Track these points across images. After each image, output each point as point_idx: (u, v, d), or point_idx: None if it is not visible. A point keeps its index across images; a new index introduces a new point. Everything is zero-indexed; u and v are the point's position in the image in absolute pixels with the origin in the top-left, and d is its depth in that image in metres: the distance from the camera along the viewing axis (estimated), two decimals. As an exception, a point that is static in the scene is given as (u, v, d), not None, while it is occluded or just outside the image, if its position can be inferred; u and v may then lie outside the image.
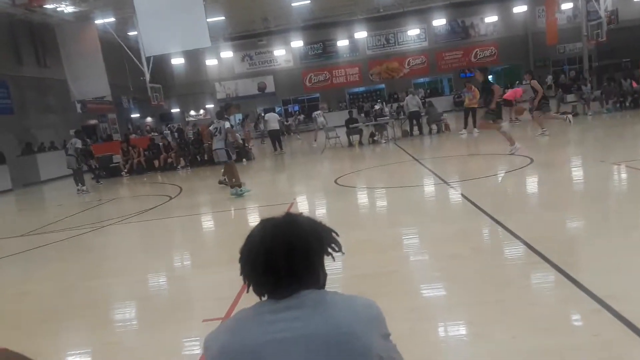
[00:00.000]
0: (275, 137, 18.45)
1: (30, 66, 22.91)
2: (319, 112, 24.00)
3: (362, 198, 8.49)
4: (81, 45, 20.72)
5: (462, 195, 7.03)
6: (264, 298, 1.18)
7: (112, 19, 22.41)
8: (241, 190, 9.65)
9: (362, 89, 37.14)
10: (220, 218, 8.39)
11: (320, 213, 7.57)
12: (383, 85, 36.87)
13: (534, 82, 12.92)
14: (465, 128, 15.75)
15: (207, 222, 8.47)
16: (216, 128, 9.79)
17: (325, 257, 1.22)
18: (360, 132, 17.44)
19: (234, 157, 10.12)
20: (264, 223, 1.20)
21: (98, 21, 21.60)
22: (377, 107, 27.19)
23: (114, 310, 4.46)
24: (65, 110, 24.46)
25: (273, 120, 18.68)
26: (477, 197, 6.55)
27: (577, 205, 6.14)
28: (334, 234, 1.24)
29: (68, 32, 21.25)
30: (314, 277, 1.18)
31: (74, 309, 4.43)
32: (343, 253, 1.23)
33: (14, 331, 4.08)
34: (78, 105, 23.93)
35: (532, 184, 7.87)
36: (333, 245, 1.23)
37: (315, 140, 21.50)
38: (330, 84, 36.77)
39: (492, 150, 11.69)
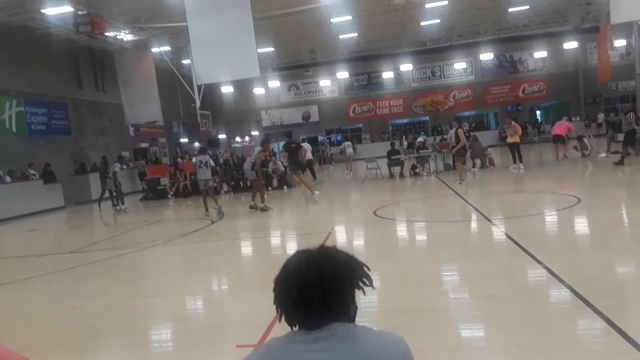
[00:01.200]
0: (309, 167, 18.61)
1: (88, 90, 24.29)
2: (348, 142, 24.33)
3: (401, 231, 8.43)
4: (137, 72, 21.82)
5: (505, 233, 6.88)
6: (296, 328, 1.22)
7: (167, 48, 23.55)
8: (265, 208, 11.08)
9: (405, 120, 37.18)
10: (258, 244, 8.51)
11: (358, 244, 7.57)
12: (427, 118, 36.78)
13: (460, 131, 12.62)
14: (515, 163, 15.43)
15: (246, 248, 8.60)
16: (201, 161, 11.41)
17: (357, 290, 1.26)
18: (401, 163, 17.39)
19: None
20: (299, 254, 1.24)
21: (154, 49, 22.73)
22: (420, 139, 27.11)
23: (153, 330, 4.59)
24: (119, 133, 25.73)
25: (306, 151, 18.94)
26: (520, 236, 6.39)
27: (625, 248, 5.88)
28: (365, 269, 1.28)
29: (126, 59, 22.45)
30: (345, 310, 1.21)
31: (117, 326, 4.58)
32: (374, 287, 1.27)
33: (64, 345, 4.25)
34: (131, 129, 25.13)
35: (578, 224, 7.61)
36: (364, 279, 1.26)
37: (348, 170, 21.66)
38: (373, 115, 37.00)
39: (538, 187, 11.40)
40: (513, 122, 15.26)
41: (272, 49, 27.32)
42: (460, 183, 12.17)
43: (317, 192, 12.09)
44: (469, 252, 6.26)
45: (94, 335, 4.36)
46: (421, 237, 7.85)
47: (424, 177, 16.41)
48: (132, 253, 8.24)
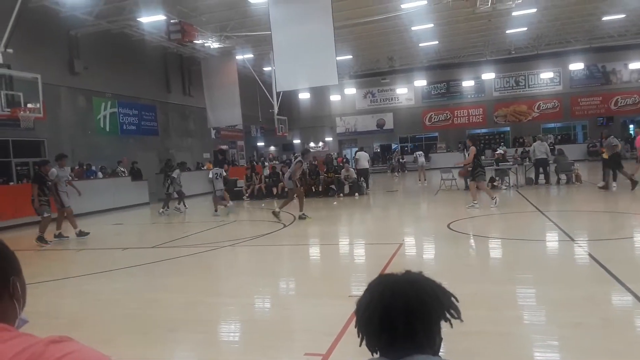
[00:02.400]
0: (364, 176, 18.30)
1: (176, 94, 25.78)
2: (420, 152, 23.81)
3: (476, 247, 8.12)
4: (221, 78, 22.81)
5: (590, 255, 6.42)
6: (376, 355, 1.17)
7: (250, 55, 24.48)
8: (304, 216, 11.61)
9: (484, 130, 35.93)
10: (328, 251, 8.55)
11: (429, 258, 7.39)
12: (508, 128, 35.32)
13: (472, 149, 12.03)
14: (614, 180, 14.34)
15: (316, 254, 8.67)
16: (216, 173, 12.84)
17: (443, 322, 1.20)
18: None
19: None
20: (384, 279, 1.20)
21: (238, 57, 23.69)
22: (499, 150, 26.03)
23: (225, 330, 4.75)
24: (202, 135, 27.12)
25: (363, 159, 18.70)
26: (608, 260, 5.93)
27: None
28: (453, 299, 1.21)
29: (211, 66, 23.55)
30: (430, 341, 1.15)
31: (193, 323, 4.78)
32: (462, 320, 1.20)
33: (142, 336, 4.51)
34: (213, 132, 26.37)
35: (678, 252, 6.94)
36: (452, 310, 1.19)
37: (420, 180, 21.24)
38: (450, 124, 36.11)
39: (630, 207, 10.55)
40: (612, 136, 14.22)
41: (350, 56, 27.55)
42: (472, 205, 11.75)
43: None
44: (550, 275, 5.90)
45: (171, 330, 4.57)
46: (498, 254, 7.51)
47: (503, 191, 15.73)
48: (209, 251, 8.59)
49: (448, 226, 9.34)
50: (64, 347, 0.89)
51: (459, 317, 1.18)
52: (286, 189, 12.99)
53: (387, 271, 1.26)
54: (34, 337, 0.94)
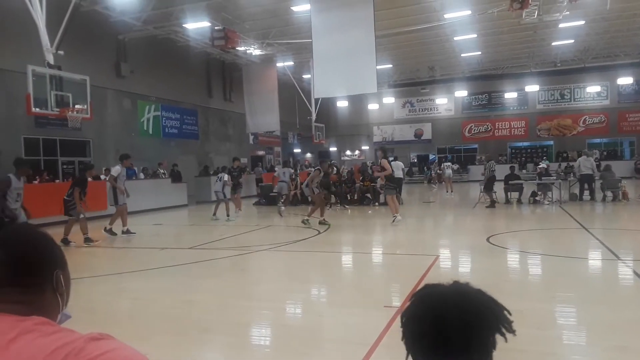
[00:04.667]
0: (399, 186, 17.95)
1: (217, 99, 26.31)
2: (448, 163, 23.40)
3: (517, 262, 7.88)
4: (261, 84, 23.10)
5: (637, 275, 6.12)
6: None
7: (290, 62, 24.73)
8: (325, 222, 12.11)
9: (526, 143, 35.05)
10: (362, 259, 8.47)
11: (467, 272, 7.21)
12: (551, 142, 34.31)
13: (384, 161, 12.10)
14: None
15: (350, 262, 8.60)
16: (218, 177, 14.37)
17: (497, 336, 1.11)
18: (520, 189, 16.32)
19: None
20: (433, 289, 1.12)
21: (279, 64, 23.96)
22: (542, 165, 25.29)
23: (258, 335, 4.75)
24: (240, 140, 27.55)
25: (397, 168, 18.40)
26: (660, 284, 5.64)
27: None
28: (506, 312, 1.12)
29: (252, 72, 23.89)
30: (483, 356, 1.06)
31: (226, 325, 4.80)
32: (515, 334, 1.10)
33: (176, 336, 4.55)
34: (251, 137, 26.72)
35: None
36: (506, 324, 1.10)
37: (447, 192, 20.93)
38: (491, 136, 35.36)
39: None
40: None
41: (390, 65, 27.42)
42: (394, 220, 11.72)
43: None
44: (594, 294, 5.64)
45: (205, 331, 4.61)
46: (540, 271, 7.25)
47: (545, 206, 15.24)
48: (244, 255, 8.65)
49: (487, 240, 9.10)
50: (103, 345, 0.90)
51: (513, 332, 1.10)
52: (308, 197, 13.83)
53: (423, 284, 1.18)
54: (75, 332, 0.94)
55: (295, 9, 18.03)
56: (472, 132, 35.88)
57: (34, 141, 16.59)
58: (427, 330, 1.05)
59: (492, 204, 15.22)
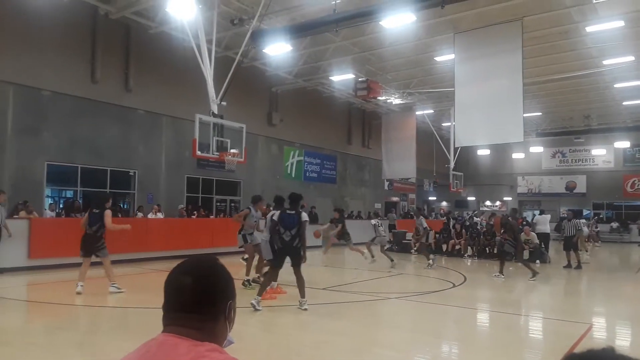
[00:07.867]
0: (544, 241, 16.33)
1: (356, 145, 27.24)
2: (584, 220, 20.76)
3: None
4: (400, 132, 23.40)
5: None
6: None
7: (430, 111, 24.77)
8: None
9: None
10: (501, 319, 7.92)
11: (626, 346, 6.35)
12: None
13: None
14: None
15: (487, 320, 8.12)
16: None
17: None
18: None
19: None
20: (589, 356, 1.00)
21: (418, 112, 24.14)
22: None
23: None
24: (375, 185, 27.99)
25: (542, 223, 16.80)
26: None
27: None
28: None
29: (392, 120, 24.38)
30: None
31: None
32: None
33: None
34: (386, 183, 26.97)
35: None
36: None
37: (581, 250, 18.55)
38: (660, 193, 31.09)
39: None
40: None
41: (539, 113, 25.99)
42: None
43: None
44: None
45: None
46: None
47: None
48: (376, 301, 8.67)
49: (652, 312, 7.95)
50: None
51: None
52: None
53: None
54: None
55: (438, 59, 18.19)
56: (636, 187, 31.91)
57: (194, 180, 18.75)
58: None
59: None
